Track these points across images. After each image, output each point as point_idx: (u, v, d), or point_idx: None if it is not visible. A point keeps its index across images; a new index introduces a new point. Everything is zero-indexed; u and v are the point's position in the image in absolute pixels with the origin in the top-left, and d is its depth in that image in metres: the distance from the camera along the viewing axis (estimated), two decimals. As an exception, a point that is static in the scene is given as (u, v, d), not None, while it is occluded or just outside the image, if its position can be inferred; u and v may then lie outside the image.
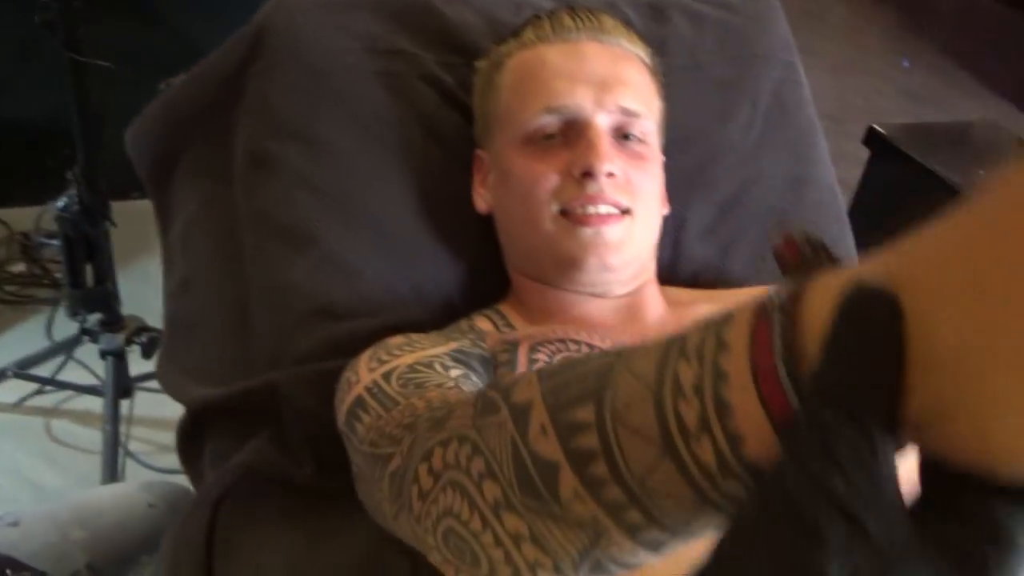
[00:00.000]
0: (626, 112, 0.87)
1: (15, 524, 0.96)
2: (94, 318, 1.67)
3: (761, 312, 0.34)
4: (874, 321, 0.29)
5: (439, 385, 0.67)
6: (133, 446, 1.74)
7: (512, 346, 0.80)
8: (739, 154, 1.09)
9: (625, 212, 0.85)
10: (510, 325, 0.88)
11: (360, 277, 0.93)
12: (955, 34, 4.27)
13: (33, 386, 1.85)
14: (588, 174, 0.83)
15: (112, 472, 1.64)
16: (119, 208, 1.62)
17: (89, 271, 1.63)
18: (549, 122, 0.87)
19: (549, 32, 0.91)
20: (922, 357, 0.28)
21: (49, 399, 1.87)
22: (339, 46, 1.02)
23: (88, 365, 1.85)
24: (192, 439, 0.97)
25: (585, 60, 0.89)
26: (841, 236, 1.13)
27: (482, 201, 0.96)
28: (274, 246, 0.95)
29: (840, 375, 0.30)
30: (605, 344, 0.80)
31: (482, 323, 0.88)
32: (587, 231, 0.84)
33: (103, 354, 1.69)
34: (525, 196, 0.87)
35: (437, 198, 0.99)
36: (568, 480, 0.41)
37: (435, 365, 0.72)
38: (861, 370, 0.29)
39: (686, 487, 0.37)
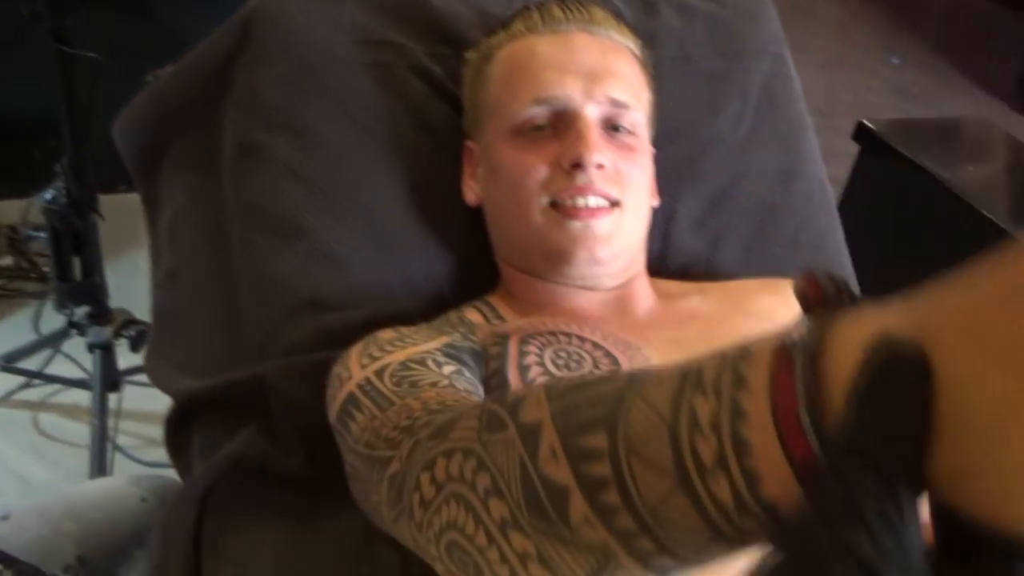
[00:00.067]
0: (615, 103, 0.87)
1: (5, 518, 0.95)
2: (82, 311, 1.66)
3: (782, 353, 0.33)
4: (903, 378, 0.29)
5: (434, 384, 0.67)
6: (121, 440, 1.73)
7: (502, 339, 0.80)
8: (729, 147, 1.09)
9: (614, 204, 0.85)
10: (500, 317, 0.88)
11: (349, 268, 0.93)
12: (945, 31, 4.29)
13: (20, 380, 1.83)
14: (577, 165, 0.83)
15: (100, 466, 1.63)
16: (107, 201, 1.61)
17: (77, 264, 1.62)
18: (538, 113, 0.87)
19: (539, 23, 0.91)
20: (950, 417, 0.28)
21: (36, 393, 1.86)
22: (328, 37, 1.01)
23: (76, 359, 1.83)
24: (180, 431, 0.97)
25: (575, 51, 0.89)
26: (831, 230, 1.13)
27: (472, 193, 0.95)
28: (262, 237, 0.95)
29: (867, 432, 0.29)
30: (595, 336, 0.80)
31: (472, 315, 0.88)
32: (576, 224, 0.83)
33: (91, 347, 1.68)
34: (514, 188, 0.87)
35: (426, 189, 0.98)
36: (578, 505, 0.41)
37: (428, 362, 0.71)
38: (888, 428, 0.29)
39: (700, 521, 0.37)
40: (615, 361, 0.77)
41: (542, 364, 0.77)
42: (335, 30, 1.02)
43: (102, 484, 1.19)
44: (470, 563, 0.50)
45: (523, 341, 0.79)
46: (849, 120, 1.95)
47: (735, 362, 0.36)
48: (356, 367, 0.72)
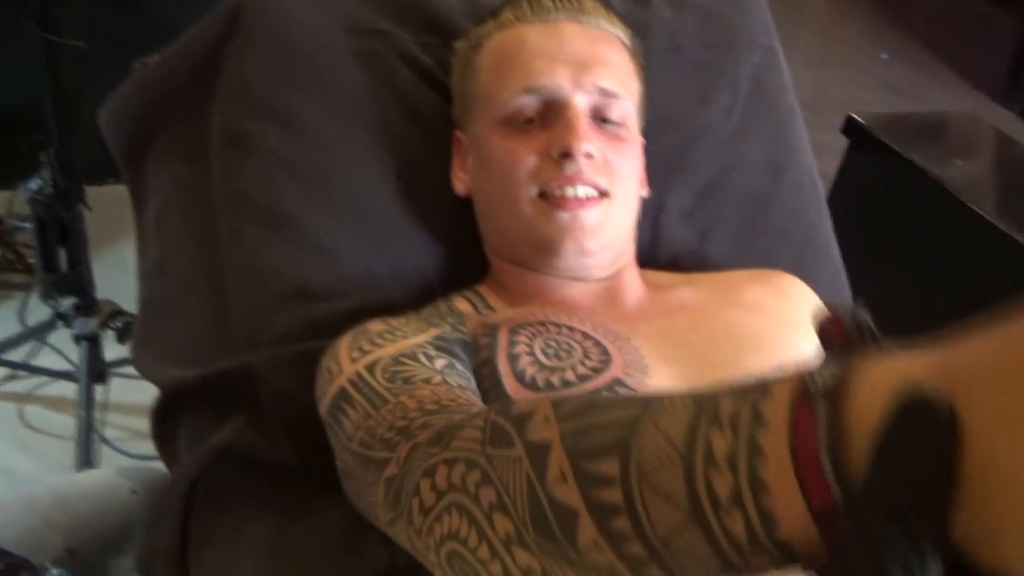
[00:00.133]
0: (605, 92, 0.86)
1: (-9, 510, 0.95)
2: (68, 302, 1.65)
3: (803, 393, 0.33)
4: (930, 432, 0.28)
5: (427, 380, 0.67)
6: (107, 432, 1.72)
7: (492, 329, 0.80)
8: (719, 138, 1.09)
9: (603, 194, 0.85)
10: (489, 306, 0.88)
11: (338, 258, 0.92)
12: (933, 27, 4.30)
13: (5, 372, 1.82)
14: (566, 154, 0.83)
15: (86, 458, 1.62)
16: (94, 193, 1.60)
17: (63, 255, 1.61)
18: (528, 103, 0.86)
19: (528, 12, 0.91)
20: (978, 473, 0.28)
21: (22, 385, 1.85)
22: (317, 25, 1.01)
23: (62, 350, 1.82)
24: (167, 421, 0.96)
25: (564, 40, 0.88)
26: (820, 222, 1.13)
27: (461, 183, 0.95)
28: (251, 227, 0.94)
29: (892, 486, 0.29)
30: (585, 326, 0.80)
31: (461, 304, 0.88)
32: (564, 215, 0.83)
33: (77, 339, 1.67)
34: (503, 178, 0.86)
35: (415, 179, 0.98)
36: (587, 530, 0.41)
37: (419, 356, 0.71)
38: (915, 484, 0.29)
39: (711, 553, 0.36)
40: (604, 351, 0.77)
41: (532, 354, 0.76)
42: (324, 18, 1.01)
43: (91, 476, 1.19)
44: (471, 573, 0.49)
45: (513, 331, 0.79)
46: (838, 115, 1.96)
47: (753, 398, 0.36)
48: (346, 360, 0.72)
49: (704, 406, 0.38)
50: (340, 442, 0.68)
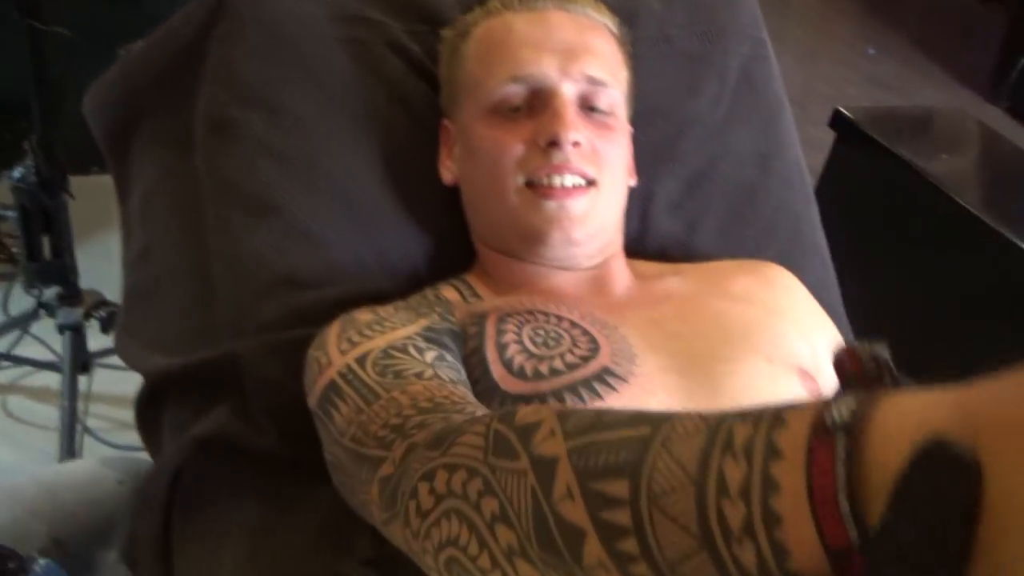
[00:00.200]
0: (592, 81, 0.86)
1: (-26, 501, 0.94)
2: (51, 292, 1.64)
3: (821, 427, 0.33)
4: (953, 481, 0.28)
5: (418, 375, 0.66)
6: (92, 423, 1.71)
7: (480, 318, 0.79)
8: (707, 129, 1.09)
9: (591, 183, 0.84)
10: (476, 295, 0.88)
11: (324, 246, 0.92)
12: (921, 23, 4.31)
13: (-12, 362, 1.81)
14: (554, 143, 0.82)
15: (70, 449, 1.61)
16: (78, 183, 1.59)
17: (46, 244, 1.60)
18: (515, 91, 0.86)
19: (515, 1, 0.90)
20: (1001, 527, 0.28)
21: (5, 375, 1.83)
22: (304, 12, 1.00)
23: (45, 340, 1.81)
24: (151, 410, 0.95)
25: (551, 29, 0.88)
26: (807, 213, 1.14)
27: (448, 173, 0.95)
28: (236, 214, 0.93)
29: (912, 535, 0.29)
30: (573, 315, 0.80)
31: (448, 292, 0.87)
32: (551, 204, 0.83)
33: (61, 329, 1.66)
34: (490, 167, 0.86)
35: (403, 167, 0.97)
36: (594, 549, 0.41)
37: (409, 348, 0.71)
38: (935, 533, 0.28)
39: None
40: (593, 340, 0.77)
41: (520, 342, 0.76)
42: (312, 5, 1.00)
43: (77, 466, 1.18)
44: None
45: (501, 320, 0.79)
46: (826, 110, 1.96)
47: (768, 429, 0.35)
48: (335, 352, 0.71)
49: (716, 432, 0.38)
50: (330, 435, 0.68)
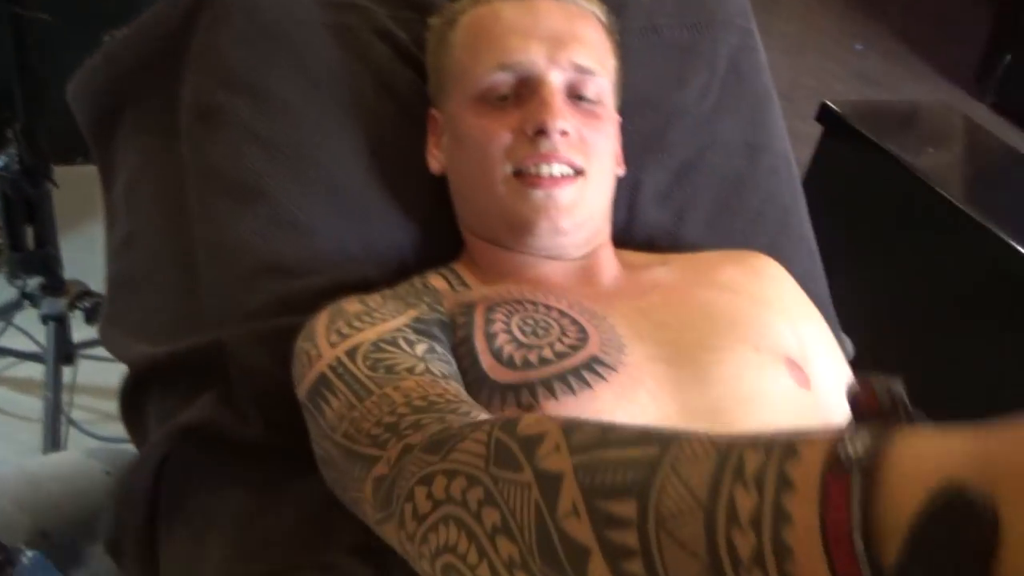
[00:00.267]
0: (580, 69, 0.86)
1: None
2: (35, 282, 1.63)
3: (835, 463, 0.33)
4: (970, 531, 0.28)
5: (410, 369, 0.66)
6: (76, 414, 1.70)
7: (469, 308, 0.79)
8: (695, 119, 1.09)
9: (579, 172, 0.84)
10: (464, 284, 0.87)
11: (311, 234, 0.91)
12: (908, 18, 4.33)
13: (-29, 353, 1.80)
14: (541, 132, 0.82)
15: (54, 441, 1.60)
16: (62, 172, 1.58)
17: (29, 234, 1.58)
18: (502, 79, 0.85)
19: None
20: (1015, 571, 0.28)
21: (-12, 366, 1.82)
22: None
23: (28, 331, 1.80)
24: (135, 399, 0.95)
25: (539, 16, 0.88)
26: (795, 205, 1.14)
27: (435, 162, 0.94)
28: (222, 202, 0.93)
29: None
30: (561, 304, 0.80)
31: (436, 281, 0.87)
32: (538, 193, 0.83)
33: (44, 319, 1.65)
34: (478, 156, 0.86)
35: (390, 155, 0.97)
36: (598, 568, 0.41)
37: (399, 341, 0.71)
38: None
39: None
40: (581, 329, 0.77)
41: (509, 331, 0.76)
42: None
43: (63, 457, 1.17)
44: None
45: (489, 309, 0.79)
46: (812, 104, 1.97)
47: (781, 458, 0.35)
48: (325, 344, 0.71)
49: (727, 457, 0.37)
50: (320, 430, 0.67)
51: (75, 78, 1.07)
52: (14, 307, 1.76)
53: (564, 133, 0.83)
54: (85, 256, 1.77)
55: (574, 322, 0.78)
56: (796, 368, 0.82)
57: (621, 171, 0.95)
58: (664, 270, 0.92)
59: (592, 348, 0.75)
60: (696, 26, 1.12)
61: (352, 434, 0.63)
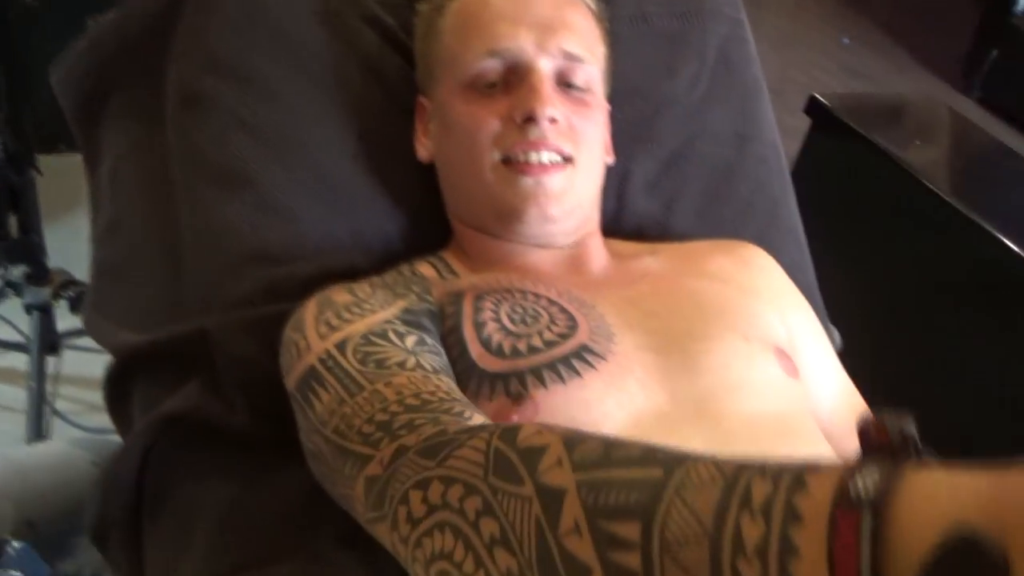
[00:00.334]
0: (569, 56, 0.85)
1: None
2: (19, 271, 1.61)
3: (844, 498, 0.33)
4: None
5: (401, 364, 0.66)
6: (60, 405, 1.69)
7: (457, 297, 0.79)
8: (684, 108, 1.09)
9: (567, 160, 0.84)
10: (452, 272, 0.87)
11: (297, 220, 0.90)
12: (895, 13, 4.34)
13: (-47, 342, 1.78)
14: (530, 119, 0.82)
15: (38, 431, 1.59)
16: (47, 161, 1.56)
17: (13, 222, 1.57)
18: (491, 66, 0.85)
19: None
20: None
21: (-29, 356, 1.80)
22: None
23: (12, 321, 1.78)
24: (120, 387, 0.94)
25: (528, 3, 0.87)
26: (784, 196, 1.14)
27: (424, 150, 0.94)
28: (208, 187, 0.92)
29: None
30: (551, 293, 0.80)
31: (424, 268, 0.87)
32: (527, 180, 0.82)
33: (28, 308, 1.63)
34: (466, 143, 0.85)
35: (377, 142, 0.96)
36: None
37: (389, 334, 0.70)
38: None
39: None
40: (571, 317, 0.77)
41: (498, 320, 0.76)
42: None
43: (49, 447, 1.17)
44: None
45: (478, 298, 0.78)
46: (800, 98, 1.97)
47: (789, 490, 0.35)
48: (314, 336, 0.70)
49: (734, 485, 0.37)
50: (310, 423, 0.67)
51: (59, 62, 1.06)
52: (-3, 296, 1.74)
53: (553, 121, 0.82)
54: (70, 245, 1.75)
55: (563, 311, 0.77)
56: (784, 357, 0.82)
57: (610, 160, 0.95)
58: (653, 260, 0.92)
59: (581, 337, 0.75)
60: (686, 15, 1.12)
61: (343, 430, 0.62)
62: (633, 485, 0.42)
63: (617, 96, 0.96)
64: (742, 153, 1.10)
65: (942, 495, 0.31)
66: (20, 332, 1.74)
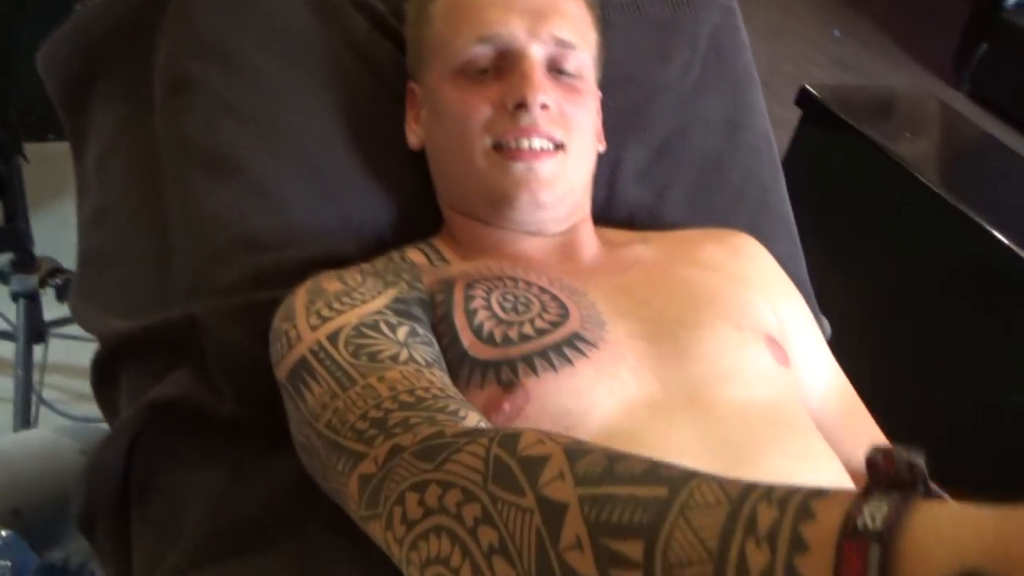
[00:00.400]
0: (561, 43, 0.85)
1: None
2: (5, 258, 1.60)
3: (851, 529, 0.33)
4: None
5: (394, 357, 0.65)
6: (47, 394, 1.68)
7: (448, 285, 0.78)
8: (676, 96, 1.08)
9: (559, 147, 0.83)
10: (443, 259, 0.86)
11: (286, 207, 0.90)
12: (886, 6, 4.35)
13: (-61, 331, 1.76)
14: (521, 105, 0.81)
15: (25, 420, 1.58)
16: (34, 150, 1.55)
17: (0, 209, 1.56)
18: (482, 52, 0.84)
19: None
20: None
21: (-43, 344, 1.79)
22: None
23: (-2, 309, 1.77)
24: (108, 373, 0.93)
25: None
26: (775, 185, 1.14)
27: (414, 137, 0.93)
28: (196, 174, 0.91)
29: None
30: (542, 281, 0.79)
31: (414, 255, 0.86)
32: (519, 166, 0.82)
33: (14, 296, 1.62)
34: (457, 129, 0.85)
35: (367, 128, 0.96)
36: None
37: (381, 326, 0.70)
38: None
39: None
40: (562, 305, 0.76)
41: (489, 308, 0.75)
42: None
43: (36, 435, 1.16)
44: None
45: (469, 286, 0.78)
46: (791, 90, 1.97)
47: (795, 517, 0.35)
48: (305, 327, 0.70)
49: (739, 509, 0.37)
50: (301, 416, 0.66)
51: (45, 46, 1.05)
52: (-17, 284, 1.73)
53: (544, 107, 0.82)
54: (57, 233, 1.74)
55: (554, 298, 0.77)
56: (776, 345, 0.82)
57: (602, 147, 0.94)
58: (644, 248, 0.92)
59: (573, 325, 0.75)
60: (678, 3, 1.12)
61: (336, 425, 0.62)
62: (637, 503, 0.42)
63: (609, 83, 0.96)
64: (733, 141, 1.10)
65: (950, 532, 0.31)
66: (7, 320, 1.73)
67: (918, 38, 4.11)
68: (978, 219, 1.57)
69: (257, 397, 0.79)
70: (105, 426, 0.97)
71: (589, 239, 0.91)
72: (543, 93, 0.82)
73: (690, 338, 0.77)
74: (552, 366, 0.71)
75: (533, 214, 0.85)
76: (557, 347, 0.72)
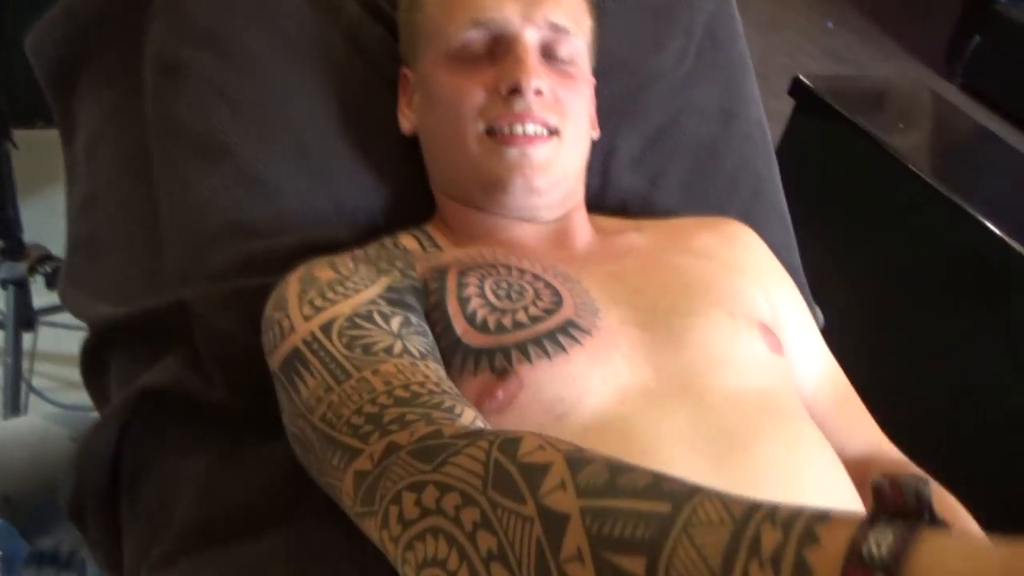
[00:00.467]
0: (555, 28, 0.84)
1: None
2: (-6, 246, 1.59)
3: (856, 557, 0.33)
4: None
5: (388, 350, 0.65)
6: (37, 382, 1.67)
7: (441, 272, 0.78)
8: (670, 84, 1.08)
9: (553, 132, 0.83)
10: (436, 246, 0.86)
11: (278, 193, 0.89)
12: (879, -2, 4.36)
13: (-73, 318, 1.75)
14: (515, 90, 0.80)
15: (14, 407, 1.57)
16: (23, 136, 1.54)
17: (-12, 196, 1.55)
18: (475, 37, 0.84)
19: None
20: None
21: (-55, 332, 1.78)
22: None
23: (-13, 296, 1.76)
24: (97, 359, 0.92)
25: None
26: (768, 173, 1.14)
27: (407, 122, 0.93)
28: (186, 159, 0.90)
29: None
30: (535, 268, 0.79)
31: (407, 241, 0.86)
32: (512, 151, 0.81)
33: (3, 283, 1.61)
34: (450, 115, 0.84)
35: (360, 114, 0.95)
36: None
37: (375, 316, 0.69)
38: None
39: None
40: (556, 292, 0.76)
41: (482, 295, 0.75)
42: None
43: (27, 422, 1.15)
44: None
45: (462, 273, 0.77)
46: (785, 81, 1.97)
47: (800, 542, 0.35)
48: (298, 317, 0.69)
49: (743, 529, 0.37)
50: (295, 407, 0.66)
51: (34, 30, 1.04)
52: (-28, 271, 1.72)
53: (538, 92, 0.81)
54: (47, 220, 1.73)
55: (548, 286, 0.77)
56: (769, 333, 0.81)
57: (596, 134, 0.94)
58: (638, 235, 0.91)
59: (567, 312, 0.74)
60: (673, -9, 1.11)
61: (331, 419, 0.61)
62: (640, 517, 0.42)
63: (603, 70, 0.95)
64: (727, 129, 1.10)
65: (956, 566, 0.31)
66: (-5, 308, 1.72)
67: (911, 30, 4.11)
68: (970, 209, 1.57)
69: (247, 384, 0.79)
70: (95, 414, 0.97)
71: (583, 226, 0.90)
72: (537, 78, 0.81)
73: (683, 326, 0.77)
74: (546, 353, 0.71)
75: (527, 200, 0.84)
76: (551, 334, 0.72)
